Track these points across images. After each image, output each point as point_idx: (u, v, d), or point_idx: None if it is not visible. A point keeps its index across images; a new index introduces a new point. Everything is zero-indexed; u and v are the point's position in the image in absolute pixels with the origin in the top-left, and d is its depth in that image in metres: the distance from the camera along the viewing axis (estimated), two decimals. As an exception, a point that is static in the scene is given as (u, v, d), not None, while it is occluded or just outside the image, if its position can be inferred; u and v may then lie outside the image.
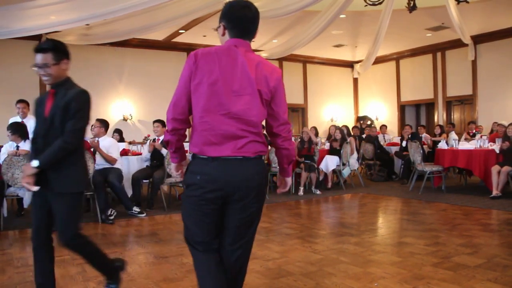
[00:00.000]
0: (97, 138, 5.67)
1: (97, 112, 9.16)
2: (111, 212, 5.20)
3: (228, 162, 1.79)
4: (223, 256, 1.91)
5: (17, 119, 5.81)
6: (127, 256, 3.67)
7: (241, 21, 1.87)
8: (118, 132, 7.89)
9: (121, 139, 7.77)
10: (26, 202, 5.05)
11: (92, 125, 5.83)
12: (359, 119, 13.20)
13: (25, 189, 4.88)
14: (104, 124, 5.77)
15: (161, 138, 6.19)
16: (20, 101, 5.90)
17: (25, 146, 5.08)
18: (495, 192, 6.19)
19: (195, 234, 1.88)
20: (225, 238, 1.91)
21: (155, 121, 6.28)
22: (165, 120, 6.54)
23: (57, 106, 2.30)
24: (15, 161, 4.83)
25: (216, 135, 1.77)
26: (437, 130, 9.60)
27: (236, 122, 1.78)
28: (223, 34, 1.92)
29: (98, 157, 5.46)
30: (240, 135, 1.79)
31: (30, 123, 5.82)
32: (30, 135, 5.37)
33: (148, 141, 6.42)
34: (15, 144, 5.09)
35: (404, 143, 8.71)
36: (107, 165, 5.48)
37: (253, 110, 1.80)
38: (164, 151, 5.97)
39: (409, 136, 8.54)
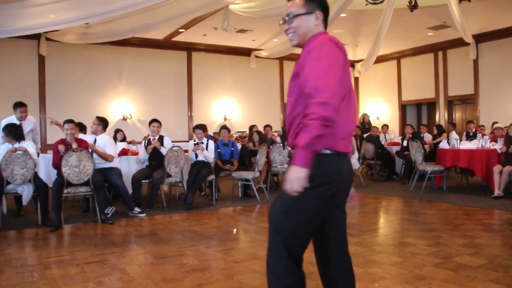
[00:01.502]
0: (94, 136, 5.66)
1: (96, 111, 9.13)
2: (109, 210, 5.19)
3: (348, 158, 1.77)
4: (334, 274, 1.81)
5: (12, 119, 5.71)
6: (127, 256, 3.66)
7: (328, 13, 1.82)
8: (121, 131, 7.90)
9: (124, 139, 7.77)
10: (25, 199, 5.03)
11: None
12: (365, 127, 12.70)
13: (24, 186, 4.90)
14: (102, 122, 5.76)
15: (156, 137, 6.14)
16: (22, 105, 5.75)
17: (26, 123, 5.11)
18: (497, 192, 6.16)
19: (304, 245, 1.71)
20: (334, 248, 1.82)
21: (154, 121, 6.23)
22: (158, 119, 6.44)
23: None
24: (14, 158, 4.81)
25: (347, 130, 1.73)
26: (435, 131, 9.51)
27: (353, 118, 1.80)
28: (317, 25, 1.79)
29: (95, 155, 5.43)
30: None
31: (26, 124, 5.76)
32: (27, 136, 5.38)
33: (143, 142, 6.32)
34: (11, 146, 5.07)
35: (405, 143, 8.68)
36: (106, 165, 5.46)
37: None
38: (163, 150, 5.92)
39: (411, 135, 8.51)
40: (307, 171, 1.53)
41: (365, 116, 12.49)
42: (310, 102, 1.56)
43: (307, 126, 1.53)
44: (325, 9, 1.80)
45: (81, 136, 5.59)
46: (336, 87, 1.57)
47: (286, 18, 1.79)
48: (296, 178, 1.52)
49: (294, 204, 1.64)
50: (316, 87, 1.55)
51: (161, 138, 6.12)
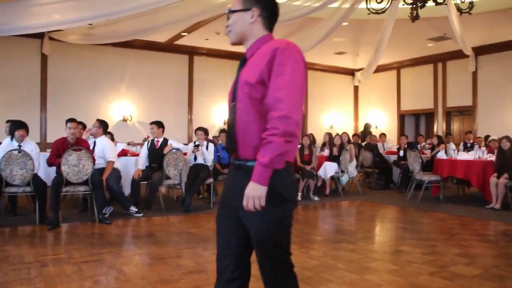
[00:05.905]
0: (94, 139, 5.67)
1: (97, 112, 9.17)
2: (106, 210, 5.19)
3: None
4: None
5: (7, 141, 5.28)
6: (124, 256, 3.67)
7: (276, 12, 1.68)
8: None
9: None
10: None
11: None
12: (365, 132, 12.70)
13: (22, 186, 4.90)
14: (103, 125, 5.79)
15: (161, 139, 6.16)
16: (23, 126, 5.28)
17: (26, 146, 5.09)
18: (494, 205, 6.17)
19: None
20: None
21: (152, 123, 6.27)
22: (161, 122, 6.50)
23: None
24: (13, 158, 4.82)
25: None
26: (435, 141, 9.52)
27: None
28: (252, 23, 1.64)
29: (96, 156, 5.45)
30: None
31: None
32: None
33: (146, 144, 6.32)
34: (18, 144, 5.08)
35: (401, 153, 8.73)
36: (105, 165, 5.47)
37: None
38: (180, 146, 6.18)
39: (406, 145, 8.59)
40: (266, 188, 1.48)
41: (367, 124, 12.51)
42: (271, 116, 1.47)
43: (270, 143, 1.45)
44: (266, 8, 1.65)
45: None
46: (299, 100, 1.51)
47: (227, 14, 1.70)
48: (256, 196, 1.47)
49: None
50: (278, 99, 1.47)
51: (165, 141, 6.14)
